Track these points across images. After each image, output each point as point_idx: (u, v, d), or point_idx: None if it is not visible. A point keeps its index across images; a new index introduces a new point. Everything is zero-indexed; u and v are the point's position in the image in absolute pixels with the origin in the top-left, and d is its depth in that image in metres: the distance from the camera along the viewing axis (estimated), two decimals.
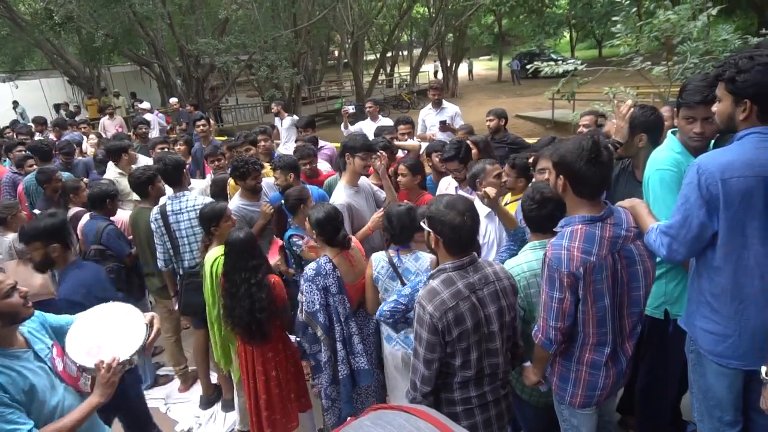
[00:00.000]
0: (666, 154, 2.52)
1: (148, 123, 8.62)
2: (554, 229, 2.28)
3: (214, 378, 4.42)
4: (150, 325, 2.46)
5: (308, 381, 3.64)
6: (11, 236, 4.27)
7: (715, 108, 2.10)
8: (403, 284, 2.91)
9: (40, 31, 15.74)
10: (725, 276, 2.07)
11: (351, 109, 8.06)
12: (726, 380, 2.19)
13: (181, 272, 4.07)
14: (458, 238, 2.12)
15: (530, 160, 3.70)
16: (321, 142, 6.26)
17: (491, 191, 3.05)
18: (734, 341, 2.10)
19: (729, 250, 2.03)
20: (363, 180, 4.11)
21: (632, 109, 2.86)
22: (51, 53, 17.87)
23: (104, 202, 4.27)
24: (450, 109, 6.61)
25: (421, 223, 2.25)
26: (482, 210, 3.22)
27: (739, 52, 2.04)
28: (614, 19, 6.96)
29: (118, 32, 15.95)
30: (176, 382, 4.64)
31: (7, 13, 15.37)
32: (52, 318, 2.41)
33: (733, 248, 2.02)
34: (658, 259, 2.34)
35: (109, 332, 2.36)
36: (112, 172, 5.88)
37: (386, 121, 7.14)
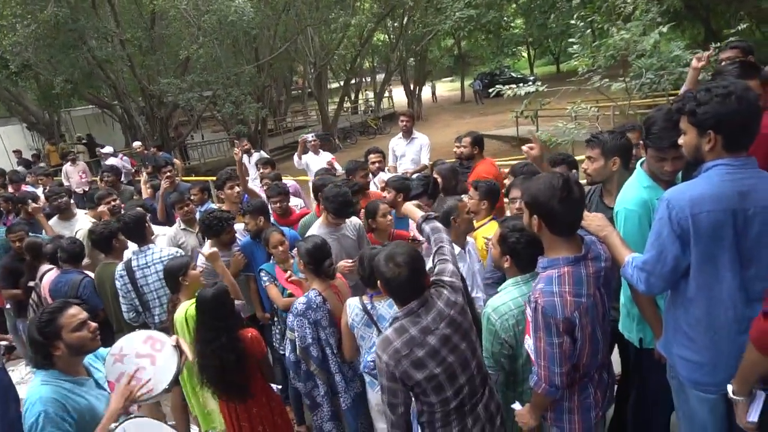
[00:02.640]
0: (634, 192, 2.55)
1: (113, 169, 8.43)
2: (536, 270, 2.27)
3: None
4: (178, 347, 2.61)
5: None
6: None
7: (681, 141, 2.14)
8: (380, 332, 2.82)
9: None
10: (699, 307, 2.09)
11: (310, 137, 7.97)
12: (707, 405, 2.20)
13: (152, 328, 3.95)
14: (398, 288, 2.16)
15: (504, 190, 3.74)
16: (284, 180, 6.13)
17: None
18: (710, 369, 2.12)
19: (701, 282, 2.06)
20: (352, 221, 4.01)
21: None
22: (8, 100, 17.54)
23: (79, 256, 4.19)
24: (420, 139, 6.62)
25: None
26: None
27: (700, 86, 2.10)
28: (570, 40, 7.21)
29: (78, 77, 15.73)
30: None
31: None
32: (100, 350, 2.58)
33: (705, 280, 2.05)
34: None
35: (144, 362, 2.50)
36: (85, 220, 5.71)
37: (325, 156, 7.37)
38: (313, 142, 7.55)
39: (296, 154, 7.71)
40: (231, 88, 15.80)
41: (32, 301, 4.72)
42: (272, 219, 4.51)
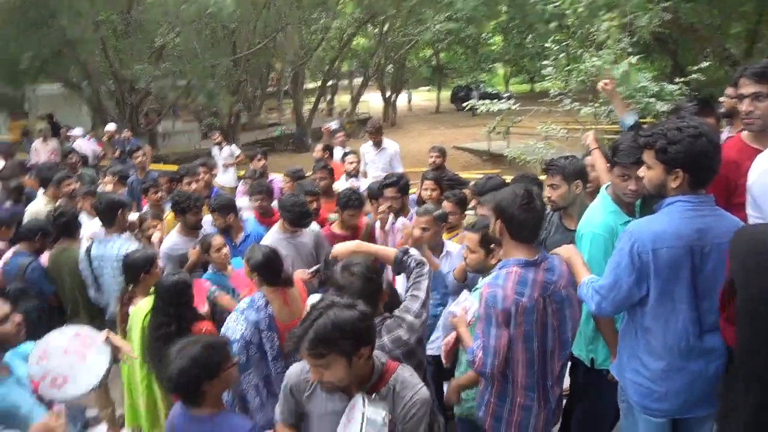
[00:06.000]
0: (600, 217, 2.67)
1: (77, 151, 8.24)
2: (491, 271, 2.39)
3: None
4: (108, 341, 2.48)
5: None
6: None
7: (642, 173, 2.23)
8: None
9: None
10: (655, 337, 2.19)
11: (334, 125, 7.84)
12: (654, 428, 2.29)
13: (107, 317, 3.90)
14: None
15: (472, 203, 3.83)
16: (270, 175, 6.07)
17: (416, 232, 3.07)
18: (661, 396, 2.22)
19: (658, 313, 2.16)
20: (311, 229, 4.00)
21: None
22: None
23: (34, 236, 4.07)
24: (390, 147, 6.72)
25: None
26: None
27: (664, 122, 2.20)
28: (545, 63, 7.41)
29: (47, 54, 15.24)
30: (103, 427, 4.38)
31: None
32: (22, 346, 2.43)
33: (662, 312, 2.15)
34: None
35: (71, 360, 2.34)
36: (38, 202, 5.60)
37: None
38: (339, 136, 7.37)
39: (320, 144, 7.51)
40: (206, 79, 15.56)
41: None
42: (254, 218, 4.50)
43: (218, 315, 3.49)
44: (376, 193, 4.32)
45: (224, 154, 8.99)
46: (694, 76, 6.44)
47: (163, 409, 3.27)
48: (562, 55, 7.38)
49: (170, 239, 4.24)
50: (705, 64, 6.23)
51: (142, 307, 3.25)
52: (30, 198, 6.07)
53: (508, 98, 8.17)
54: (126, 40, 16.44)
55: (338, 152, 7.15)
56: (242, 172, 7.90)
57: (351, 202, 3.94)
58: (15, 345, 2.28)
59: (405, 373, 1.95)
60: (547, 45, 7.39)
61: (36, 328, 3.90)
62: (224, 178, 8.65)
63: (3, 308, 2.22)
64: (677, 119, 2.24)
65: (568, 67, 7.29)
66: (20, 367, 2.30)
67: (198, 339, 2.35)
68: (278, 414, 2.21)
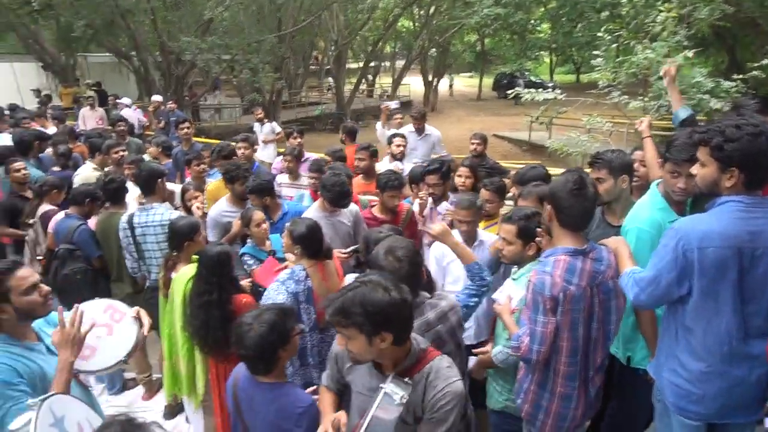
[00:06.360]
0: (648, 213, 2.61)
1: (125, 120, 8.46)
2: (539, 259, 2.41)
3: None
4: (138, 319, 2.51)
5: None
6: None
7: (695, 170, 2.16)
8: None
9: (16, 15, 15.34)
10: (695, 337, 2.15)
11: (394, 104, 7.79)
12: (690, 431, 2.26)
13: (148, 284, 4.02)
14: None
15: (512, 191, 3.78)
16: (306, 153, 6.08)
17: (436, 228, 3.02)
18: (698, 398, 2.17)
19: (700, 314, 2.11)
20: (350, 209, 4.02)
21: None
22: (26, 38, 17.42)
23: (84, 201, 4.21)
24: (432, 135, 6.70)
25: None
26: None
27: (722, 119, 2.12)
28: (595, 53, 7.20)
29: (99, 23, 15.62)
30: (140, 390, 4.55)
31: None
32: (53, 315, 2.43)
33: (705, 313, 2.10)
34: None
35: (100, 332, 2.38)
36: (87, 167, 5.79)
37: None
38: (397, 117, 7.31)
39: (380, 122, 7.54)
40: (251, 54, 15.71)
41: (28, 239, 4.81)
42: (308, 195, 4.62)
43: (254, 289, 3.56)
44: (418, 177, 4.30)
45: (265, 130, 9.10)
46: (754, 73, 6.13)
47: (202, 375, 3.37)
48: (613, 46, 7.13)
49: (219, 206, 4.36)
50: (766, 61, 5.91)
51: (185, 273, 3.32)
52: (77, 164, 6.29)
53: (554, 88, 7.97)
54: (175, 12, 16.69)
55: (385, 132, 6.99)
56: (282, 149, 7.98)
57: (391, 182, 3.94)
58: (43, 315, 2.28)
59: (443, 363, 1.93)
60: (599, 34, 7.16)
61: (80, 290, 4.10)
62: (264, 153, 8.77)
63: (32, 278, 2.21)
64: (737, 117, 2.15)
65: (619, 59, 7.06)
66: (48, 338, 2.30)
67: (269, 307, 2.36)
68: (324, 379, 2.29)
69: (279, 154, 8.28)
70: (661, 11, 6.31)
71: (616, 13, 7.99)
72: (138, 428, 1.42)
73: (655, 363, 2.40)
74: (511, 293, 2.63)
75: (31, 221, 4.82)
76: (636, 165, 3.17)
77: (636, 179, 3.16)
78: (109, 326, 2.41)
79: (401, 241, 2.30)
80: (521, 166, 5.07)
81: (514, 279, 2.73)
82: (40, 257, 4.55)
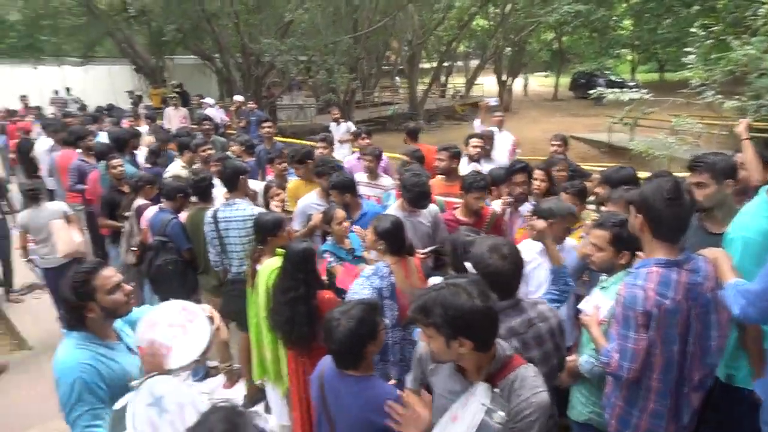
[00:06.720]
0: (757, 221, 2.44)
1: (210, 119, 8.87)
2: (629, 270, 2.26)
3: None
4: (211, 320, 2.55)
5: None
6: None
7: None
8: None
9: (113, 21, 16.47)
10: None
11: (493, 101, 7.76)
12: None
13: (229, 276, 4.20)
14: (498, 282, 2.09)
15: (596, 189, 3.65)
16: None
17: (540, 224, 2.97)
18: None
19: None
20: (429, 210, 4.01)
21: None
22: (121, 42, 18.65)
23: (175, 196, 4.46)
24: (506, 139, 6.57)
25: (466, 265, 2.24)
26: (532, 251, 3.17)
27: None
28: (687, 49, 6.80)
29: (187, 27, 16.49)
30: (221, 378, 4.75)
31: (85, 3, 16.17)
32: (132, 313, 2.52)
33: None
34: None
35: (176, 332, 2.42)
36: (176, 165, 6.11)
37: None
38: (497, 115, 7.16)
39: (478, 119, 7.52)
40: (327, 55, 16.03)
41: (124, 230, 5.15)
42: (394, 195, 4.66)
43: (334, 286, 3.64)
44: (499, 179, 4.23)
45: (341, 130, 9.26)
46: None
47: (285, 365, 3.48)
48: (707, 42, 6.71)
49: (309, 197, 4.54)
50: None
51: (269, 265, 3.45)
52: (170, 161, 6.64)
53: (639, 87, 7.61)
54: (257, 15, 17.31)
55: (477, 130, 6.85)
56: (357, 149, 8.09)
57: (476, 183, 3.89)
58: (124, 314, 2.33)
59: (529, 372, 1.87)
60: (691, 30, 6.77)
61: (171, 280, 4.35)
62: (339, 153, 8.92)
63: (115, 277, 2.26)
64: None
65: (714, 56, 6.65)
66: (128, 337, 2.38)
67: (356, 302, 2.38)
68: (409, 381, 2.30)
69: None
70: (763, 3, 5.89)
71: (709, 7, 7.51)
72: (240, 416, 1.46)
73: (763, 382, 2.24)
74: (599, 303, 2.53)
75: (126, 214, 5.17)
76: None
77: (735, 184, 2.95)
78: (183, 326, 2.44)
79: (503, 240, 2.27)
80: (602, 168, 4.88)
81: (602, 288, 2.62)
82: (134, 248, 4.86)
